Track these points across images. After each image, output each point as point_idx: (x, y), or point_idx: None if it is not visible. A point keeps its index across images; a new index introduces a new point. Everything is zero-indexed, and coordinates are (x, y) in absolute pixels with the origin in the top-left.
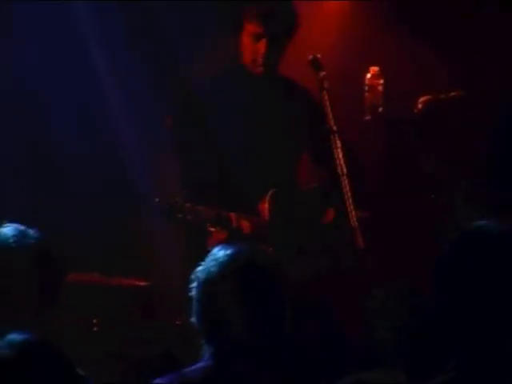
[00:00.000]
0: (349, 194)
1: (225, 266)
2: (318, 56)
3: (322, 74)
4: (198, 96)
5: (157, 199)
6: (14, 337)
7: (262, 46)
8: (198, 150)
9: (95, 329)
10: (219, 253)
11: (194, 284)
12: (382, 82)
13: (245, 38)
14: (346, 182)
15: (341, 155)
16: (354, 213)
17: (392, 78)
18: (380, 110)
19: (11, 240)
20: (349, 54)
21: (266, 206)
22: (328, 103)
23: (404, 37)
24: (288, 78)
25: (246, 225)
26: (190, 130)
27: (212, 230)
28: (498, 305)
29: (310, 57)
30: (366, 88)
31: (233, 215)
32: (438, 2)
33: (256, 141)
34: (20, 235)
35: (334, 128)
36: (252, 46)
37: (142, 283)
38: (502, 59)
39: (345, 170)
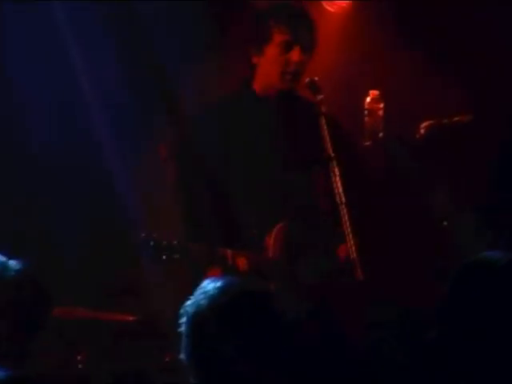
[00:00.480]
0: (348, 223)
1: (215, 299)
2: (316, 79)
3: (320, 97)
4: (198, 128)
5: (143, 234)
6: None
7: (295, 53)
8: (199, 184)
9: (80, 366)
10: (209, 286)
11: (183, 319)
12: (382, 106)
13: (272, 50)
14: (345, 211)
15: (339, 183)
16: (353, 243)
17: (393, 88)
18: (380, 135)
19: None
20: (349, 62)
21: (272, 241)
22: (325, 128)
23: (404, 48)
24: (306, 98)
25: (242, 262)
26: (190, 166)
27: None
28: (501, 339)
29: (307, 80)
30: (366, 112)
31: (229, 252)
32: (438, 11)
33: (269, 166)
34: (0, 267)
35: (332, 155)
36: (281, 57)
37: (130, 318)
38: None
39: (343, 199)
